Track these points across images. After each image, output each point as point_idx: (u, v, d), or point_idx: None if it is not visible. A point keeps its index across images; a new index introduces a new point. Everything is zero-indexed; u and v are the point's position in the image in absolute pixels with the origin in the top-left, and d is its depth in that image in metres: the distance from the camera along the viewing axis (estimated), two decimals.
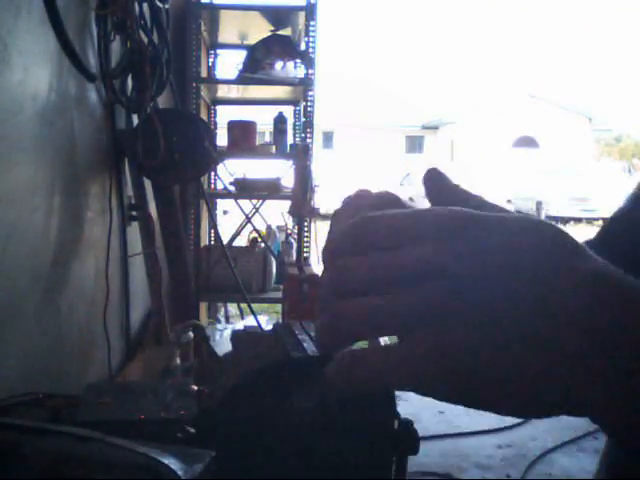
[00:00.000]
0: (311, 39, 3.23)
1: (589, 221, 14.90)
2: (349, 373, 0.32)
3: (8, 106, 1.34)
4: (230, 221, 4.68)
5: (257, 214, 3.62)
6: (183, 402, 0.84)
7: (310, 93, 3.27)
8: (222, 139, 3.50)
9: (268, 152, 3.60)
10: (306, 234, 3.38)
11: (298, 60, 3.37)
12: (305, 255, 3.38)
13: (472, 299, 0.30)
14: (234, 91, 3.96)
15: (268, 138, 3.90)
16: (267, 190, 3.47)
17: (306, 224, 3.39)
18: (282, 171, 3.71)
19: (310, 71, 3.27)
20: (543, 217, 15.89)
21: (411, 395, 0.39)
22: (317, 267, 3.38)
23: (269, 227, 3.96)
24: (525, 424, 3.04)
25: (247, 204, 3.60)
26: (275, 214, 4.24)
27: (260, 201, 3.54)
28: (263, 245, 3.56)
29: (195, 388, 0.88)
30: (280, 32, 3.52)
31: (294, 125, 4.16)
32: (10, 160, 1.34)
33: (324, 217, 4.50)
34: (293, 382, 0.78)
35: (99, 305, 1.96)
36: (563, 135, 24.39)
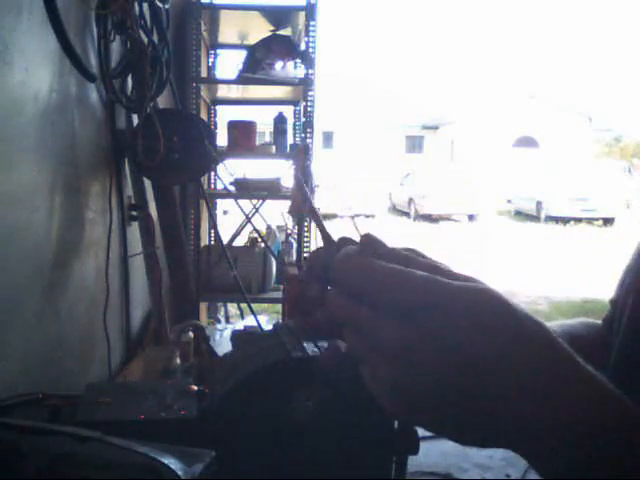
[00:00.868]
0: (311, 39, 3.23)
1: (589, 221, 14.89)
2: None
3: (9, 106, 1.34)
4: (230, 221, 4.68)
5: (257, 214, 3.62)
6: (183, 402, 0.84)
7: (310, 93, 3.27)
8: (222, 139, 3.50)
9: (268, 152, 3.60)
10: (306, 234, 3.38)
11: (298, 60, 3.37)
12: (305, 255, 3.38)
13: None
14: (234, 91, 3.96)
15: (268, 138, 3.90)
16: (267, 190, 3.48)
17: (306, 224, 3.39)
18: (282, 171, 3.71)
19: (310, 71, 3.27)
20: (543, 217, 15.84)
21: None
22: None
23: (269, 227, 3.96)
24: None
25: (247, 204, 3.60)
26: (275, 214, 4.24)
27: (260, 201, 3.54)
28: (263, 245, 3.56)
29: (195, 388, 0.88)
30: (280, 32, 3.52)
31: (294, 125, 4.16)
32: (11, 160, 1.34)
33: (324, 217, 4.50)
34: (293, 382, 0.78)
35: (99, 305, 1.96)
36: (563, 135, 24.40)
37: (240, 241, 3.74)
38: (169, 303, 2.66)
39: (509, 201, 18.38)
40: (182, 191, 3.37)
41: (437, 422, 0.39)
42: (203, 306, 3.81)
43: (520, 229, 14.22)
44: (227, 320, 4.40)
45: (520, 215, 16.91)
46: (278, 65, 3.31)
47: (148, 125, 2.09)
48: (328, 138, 25.23)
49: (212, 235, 3.86)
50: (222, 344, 2.95)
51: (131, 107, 2.16)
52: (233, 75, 3.49)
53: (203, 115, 3.60)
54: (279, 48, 3.31)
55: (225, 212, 5.80)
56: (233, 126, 3.46)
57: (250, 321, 3.66)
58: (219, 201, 4.35)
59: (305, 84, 3.27)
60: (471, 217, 15.82)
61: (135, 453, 0.60)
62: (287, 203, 3.31)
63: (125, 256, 2.28)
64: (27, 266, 1.45)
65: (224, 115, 4.27)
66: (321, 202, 3.44)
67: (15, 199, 1.37)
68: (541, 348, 0.37)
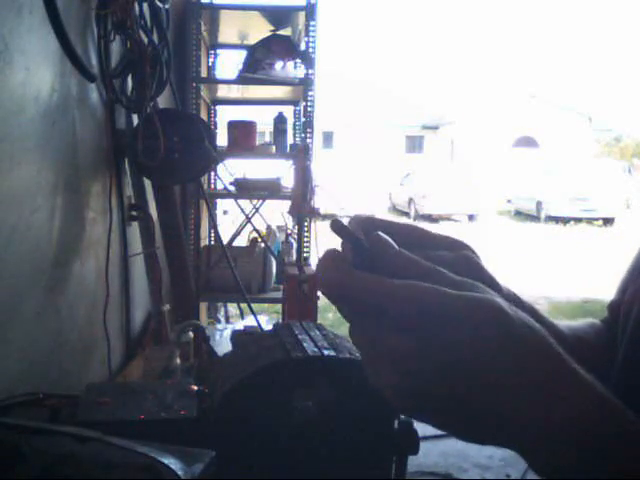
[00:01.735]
0: (311, 39, 3.23)
1: (589, 221, 14.89)
2: None
3: (10, 106, 1.34)
4: (230, 221, 4.68)
5: (257, 214, 3.62)
6: (183, 402, 0.84)
7: (310, 93, 3.27)
8: (222, 139, 3.50)
9: (268, 152, 3.60)
10: (306, 234, 3.38)
11: (298, 60, 3.37)
12: (305, 255, 3.38)
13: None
14: (234, 91, 3.96)
15: (268, 138, 3.90)
16: (267, 190, 3.48)
17: (306, 224, 3.39)
18: (282, 171, 3.71)
19: (310, 71, 3.27)
20: (543, 217, 15.82)
21: None
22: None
23: (269, 227, 3.96)
24: None
25: (247, 204, 3.60)
26: (275, 214, 4.24)
27: (260, 201, 3.54)
28: (263, 245, 3.56)
29: (195, 388, 0.88)
30: (280, 32, 3.52)
31: (294, 125, 4.16)
32: (12, 160, 1.34)
33: (324, 217, 4.50)
34: (293, 382, 0.78)
35: (99, 305, 1.96)
36: (563, 135, 24.39)
37: (240, 241, 3.74)
38: (169, 303, 2.66)
39: (509, 201, 18.38)
40: (182, 191, 3.37)
41: (439, 421, 0.42)
42: (203, 306, 3.81)
43: (520, 229, 14.22)
44: (227, 320, 4.40)
45: (520, 215, 16.91)
46: (278, 65, 3.31)
47: (148, 125, 2.09)
48: (328, 138, 25.22)
49: (212, 235, 3.86)
50: (222, 344, 2.95)
51: (131, 107, 2.16)
52: (233, 75, 3.49)
53: (203, 115, 3.60)
54: (279, 48, 3.31)
55: (225, 212, 5.80)
56: (233, 126, 3.47)
57: (250, 321, 3.66)
58: (219, 201, 4.35)
59: (305, 84, 3.27)
60: (471, 217, 15.83)
61: (135, 453, 0.60)
62: (287, 203, 3.31)
63: (125, 256, 2.28)
64: (27, 266, 1.45)
65: (224, 115, 4.27)
66: (321, 202, 3.43)
67: (16, 199, 1.37)
68: (531, 352, 0.39)
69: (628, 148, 28.93)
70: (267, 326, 3.41)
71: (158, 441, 0.64)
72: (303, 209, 3.09)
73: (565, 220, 14.86)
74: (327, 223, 0.47)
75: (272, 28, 3.53)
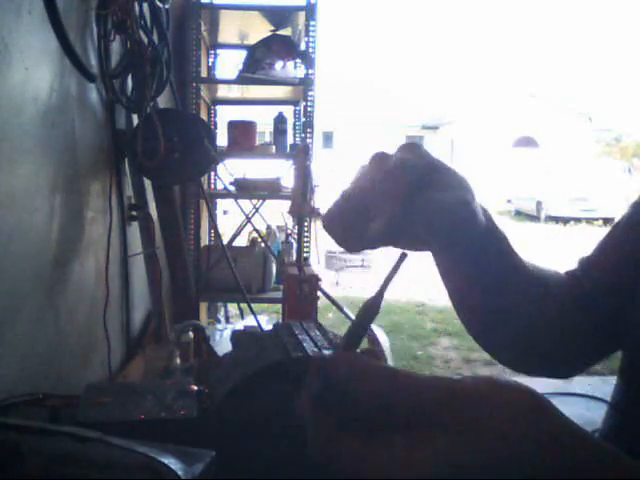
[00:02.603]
0: (311, 39, 3.23)
1: (589, 221, 14.89)
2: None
3: (9, 106, 1.34)
4: (230, 221, 4.68)
5: (257, 214, 3.62)
6: (183, 402, 0.84)
7: (310, 93, 3.27)
8: (222, 139, 3.50)
9: (268, 152, 3.60)
10: (306, 234, 3.38)
11: (298, 60, 3.37)
12: (305, 255, 3.38)
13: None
14: (234, 91, 3.96)
15: (268, 138, 3.90)
16: (267, 190, 3.48)
17: (306, 224, 3.39)
18: (282, 171, 3.71)
19: (310, 71, 3.27)
20: (543, 217, 15.86)
21: None
22: (317, 267, 3.38)
23: (269, 227, 3.96)
24: None
25: (247, 204, 3.60)
26: (275, 214, 4.24)
27: (260, 201, 3.54)
28: (263, 245, 3.56)
29: (195, 388, 0.88)
30: (280, 32, 3.52)
31: (294, 125, 4.16)
32: (11, 160, 1.34)
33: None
34: (293, 382, 0.78)
35: (99, 305, 1.96)
36: (563, 135, 24.39)
37: (240, 241, 3.74)
38: (169, 303, 2.66)
39: (509, 201, 18.38)
40: (182, 191, 3.37)
41: None
42: (203, 306, 3.81)
43: (520, 229, 14.22)
44: (227, 320, 4.40)
45: (520, 215, 16.92)
46: (278, 65, 3.31)
47: (148, 125, 2.09)
48: (328, 138, 25.23)
49: (212, 235, 3.86)
50: (222, 344, 2.95)
51: (131, 107, 2.16)
52: (233, 75, 3.49)
53: (203, 115, 3.60)
54: (279, 48, 3.31)
55: (225, 212, 5.80)
56: (233, 126, 3.47)
57: (250, 321, 3.66)
58: (219, 201, 4.35)
59: (305, 84, 3.27)
60: None
61: (135, 453, 0.60)
62: (287, 203, 3.31)
63: (125, 256, 2.28)
64: (27, 266, 1.45)
65: (224, 115, 4.27)
66: (321, 202, 3.44)
67: (15, 199, 1.37)
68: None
69: (628, 148, 28.92)
70: (267, 326, 3.41)
71: (158, 441, 0.64)
72: (303, 209, 3.10)
73: (565, 220, 14.87)
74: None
75: (272, 28, 3.53)
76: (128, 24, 1.94)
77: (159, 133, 2.07)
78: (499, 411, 0.33)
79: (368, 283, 7.58)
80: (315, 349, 0.80)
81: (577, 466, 0.33)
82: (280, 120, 3.67)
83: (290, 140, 3.78)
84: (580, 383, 1.92)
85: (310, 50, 3.23)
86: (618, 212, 14.07)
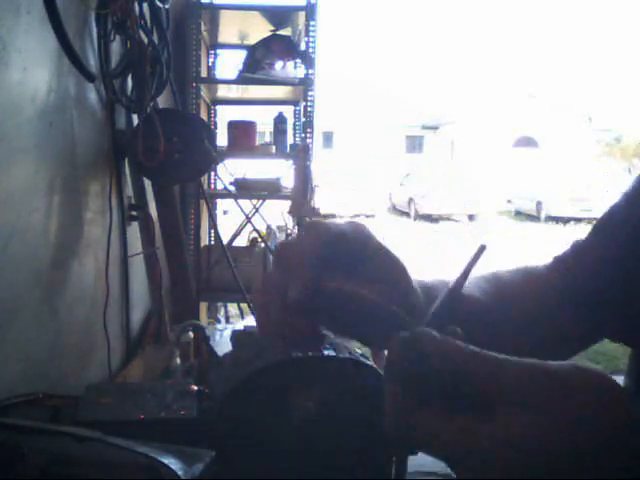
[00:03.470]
0: (311, 39, 3.22)
1: (589, 221, 14.88)
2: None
3: (7, 106, 1.33)
4: (230, 221, 4.68)
5: (257, 214, 3.62)
6: (183, 402, 0.84)
7: (310, 93, 3.27)
8: (222, 139, 3.50)
9: (268, 152, 3.60)
10: None
11: (298, 60, 3.37)
12: None
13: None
14: (234, 91, 3.96)
15: (268, 138, 3.90)
16: (267, 190, 3.47)
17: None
18: (282, 171, 3.71)
19: (310, 71, 3.26)
20: (543, 217, 15.83)
21: None
22: None
23: (269, 227, 3.96)
24: None
25: (247, 204, 3.59)
26: (275, 214, 4.24)
27: (260, 201, 3.54)
28: (263, 245, 3.55)
29: (195, 388, 0.88)
30: (280, 32, 3.52)
31: (294, 125, 4.16)
32: (10, 160, 1.34)
33: (324, 217, 4.51)
34: (293, 382, 0.78)
35: (99, 305, 1.95)
36: (563, 135, 24.39)
37: (240, 241, 3.74)
38: (169, 303, 2.65)
39: (509, 201, 18.38)
40: (182, 191, 3.37)
41: None
42: (203, 306, 3.81)
43: (520, 229, 14.22)
44: (227, 320, 4.40)
45: (520, 215, 16.92)
46: (278, 65, 3.31)
47: (148, 125, 2.09)
48: (328, 138, 25.23)
49: (212, 235, 3.85)
50: (222, 344, 2.94)
51: (131, 107, 2.16)
52: (233, 75, 3.49)
53: (203, 115, 3.60)
54: (279, 48, 3.31)
55: (225, 212, 5.80)
56: (233, 126, 3.46)
57: (250, 321, 3.66)
58: (219, 201, 4.35)
59: (305, 84, 3.27)
60: (471, 217, 15.83)
61: (135, 453, 0.60)
62: (287, 203, 3.30)
63: (125, 256, 2.28)
64: (26, 266, 1.45)
65: (224, 115, 4.27)
66: (321, 202, 3.43)
67: (13, 200, 1.37)
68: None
69: (628, 148, 28.89)
70: None
71: (158, 441, 0.64)
72: (303, 209, 3.09)
73: (565, 220, 14.87)
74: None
75: (272, 28, 3.52)
76: (128, 24, 1.94)
77: (159, 133, 2.06)
78: (579, 394, 0.33)
79: None
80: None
81: None
82: (280, 120, 3.67)
83: (290, 140, 3.78)
84: None
85: (310, 50, 3.22)
86: None
